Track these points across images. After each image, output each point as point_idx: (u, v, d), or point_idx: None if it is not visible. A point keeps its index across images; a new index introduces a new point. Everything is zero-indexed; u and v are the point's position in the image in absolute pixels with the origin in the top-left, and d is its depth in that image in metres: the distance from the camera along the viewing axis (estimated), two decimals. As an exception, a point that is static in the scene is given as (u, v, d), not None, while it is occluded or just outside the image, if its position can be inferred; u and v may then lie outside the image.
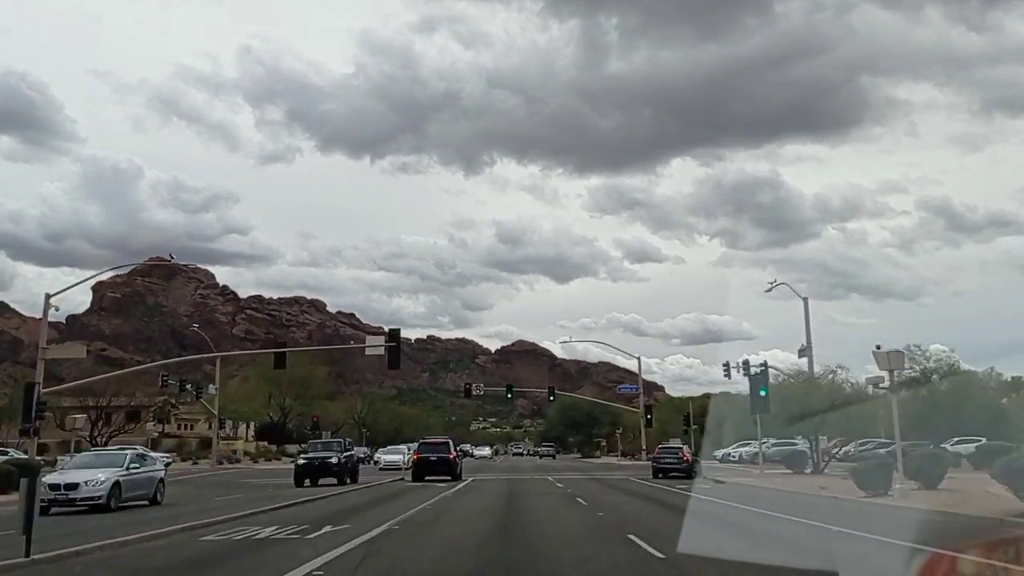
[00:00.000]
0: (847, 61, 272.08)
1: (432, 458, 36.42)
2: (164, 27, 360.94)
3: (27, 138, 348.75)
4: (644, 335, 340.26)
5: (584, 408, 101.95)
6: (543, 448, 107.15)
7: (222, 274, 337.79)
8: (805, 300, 41.18)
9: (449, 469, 36.33)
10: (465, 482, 34.47)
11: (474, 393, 66.64)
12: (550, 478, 38.69)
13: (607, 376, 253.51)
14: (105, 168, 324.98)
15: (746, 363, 45.19)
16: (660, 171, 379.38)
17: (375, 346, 40.94)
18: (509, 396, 66.87)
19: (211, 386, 60.81)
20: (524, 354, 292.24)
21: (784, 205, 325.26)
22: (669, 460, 38.81)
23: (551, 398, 65.47)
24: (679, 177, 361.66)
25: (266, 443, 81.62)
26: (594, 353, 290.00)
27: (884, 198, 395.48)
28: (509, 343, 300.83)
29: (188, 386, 63.12)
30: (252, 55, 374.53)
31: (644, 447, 62.63)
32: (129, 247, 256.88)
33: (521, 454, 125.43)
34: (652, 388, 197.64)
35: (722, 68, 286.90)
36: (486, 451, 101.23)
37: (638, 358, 69.69)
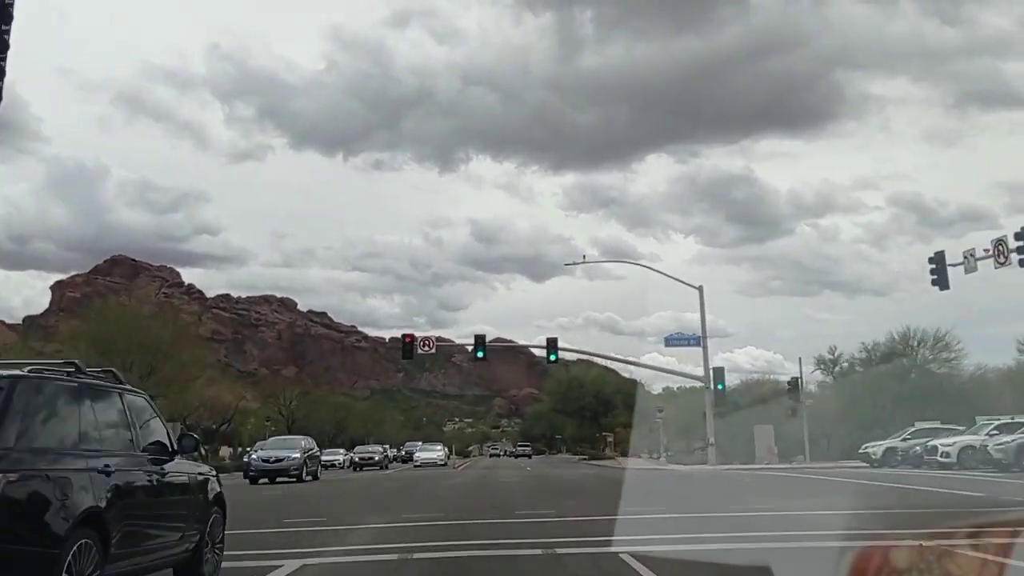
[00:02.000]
0: (823, 55, 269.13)
1: None
2: (129, 23, 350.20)
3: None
4: (620, 334, 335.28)
5: (592, 383, 72.58)
6: (519, 448, 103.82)
7: (193, 276, 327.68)
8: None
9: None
10: None
11: (421, 351, 41.24)
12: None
13: (587, 373, 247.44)
14: (70, 168, 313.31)
15: None
16: (636, 167, 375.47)
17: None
18: (480, 355, 41.30)
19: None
20: (502, 352, 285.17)
21: (758, 201, 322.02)
22: None
23: (551, 358, 40.80)
24: (654, 174, 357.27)
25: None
26: (573, 351, 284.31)
27: (857, 194, 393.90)
28: (487, 341, 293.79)
29: None
30: (220, 51, 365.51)
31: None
32: (96, 248, 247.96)
33: (498, 455, 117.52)
34: (631, 385, 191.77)
35: (698, 61, 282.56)
36: (434, 453, 57.15)
37: (700, 288, 38.36)
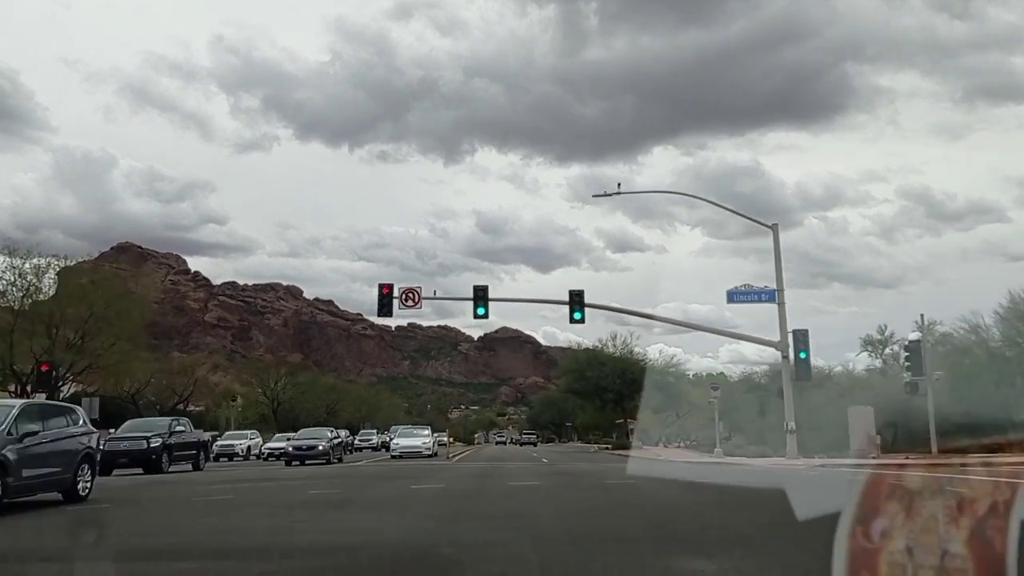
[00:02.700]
0: (832, 47, 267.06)
1: None
2: (134, 14, 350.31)
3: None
4: (626, 325, 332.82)
5: (615, 362, 59.58)
6: (524, 436, 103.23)
7: (200, 264, 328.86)
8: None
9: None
10: None
11: (403, 306, 30.05)
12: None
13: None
14: (77, 157, 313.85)
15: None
16: (641, 160, 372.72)
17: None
18: (482, 312, 30.10)
19: None
20: (508, 341, 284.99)
21: (766, 194, 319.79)
22: None
23: (575, 316, 29.39)
24: (660, 166, 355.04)
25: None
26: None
27: (865, 186, 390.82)
28: (492, 331, 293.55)
29: None
30: (225, 42, 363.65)
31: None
32: (104, 237, 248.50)
33: (504, 442, 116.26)
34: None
35: (704, 54, 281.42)
36: (418, 439, 41.09)
37: (773, 226, 30.89)
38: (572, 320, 29.68)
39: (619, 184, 31.23)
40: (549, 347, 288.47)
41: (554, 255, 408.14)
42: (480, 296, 30.34)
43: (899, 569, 2.45)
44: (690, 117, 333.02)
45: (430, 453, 38.49)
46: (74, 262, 48.06)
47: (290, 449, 32.87)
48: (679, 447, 50.66)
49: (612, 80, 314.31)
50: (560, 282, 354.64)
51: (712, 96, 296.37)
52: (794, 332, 28.72)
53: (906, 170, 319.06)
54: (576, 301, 29.92)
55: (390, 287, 29.55)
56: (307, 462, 31.24)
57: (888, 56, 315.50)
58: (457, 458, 38.59)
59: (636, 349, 61.20)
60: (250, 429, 48.66)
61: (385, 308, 29.11)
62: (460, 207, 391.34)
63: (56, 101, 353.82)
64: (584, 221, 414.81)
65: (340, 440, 36.57)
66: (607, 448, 57.57)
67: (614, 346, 61.80)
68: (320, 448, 31.87)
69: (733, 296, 30.22)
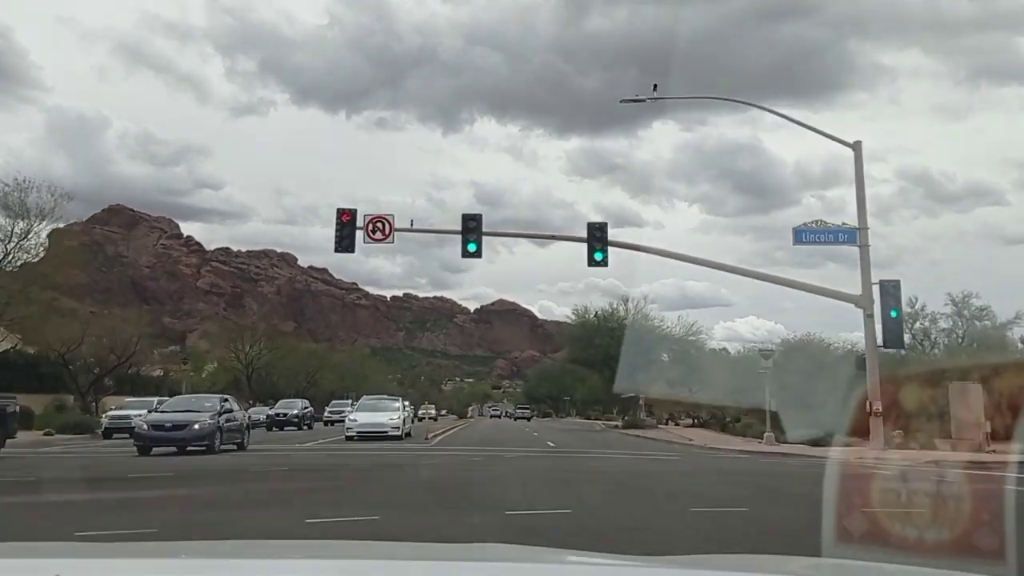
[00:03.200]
0: (835, 23, 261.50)
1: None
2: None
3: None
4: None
5: (633, 327, 50.47)
6: (519, 411, 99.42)
7: (194, 230, 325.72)
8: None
9: None
10: None
11: (369, 241, 22.95)
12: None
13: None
14: (71, 118, 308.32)
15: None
16: (641, 134, 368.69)
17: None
18: (473, 248, 23.36)
19: None
20: (505, 314, 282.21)
21: (764, 172, 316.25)
22: None
23: (597, 257, 22.56)
24: (660, 141, 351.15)
25: None
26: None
27: (864, 166, 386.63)
28: (489, 303, 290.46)
29: None
30: (221, 3, 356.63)
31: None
32: (98, 200, 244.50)
33: (499, 416, 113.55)
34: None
35: (706, 26, 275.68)
36: (383, 415, 29.94)
37: (855, 143, 25.16)
38: (592, 263, 22.70)
39: (655, 86, 24.76)
40: (546, 321, 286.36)
41: (552, 228, 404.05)
42: (472, 228, 23.69)
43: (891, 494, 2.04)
44: (691, 91, 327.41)
45: (398, 434, 28.42)
46: (62, 224, 42.02)
47: (145, 427, 20.90)
48: (691, 426, 47.03)
49: (613, 51, 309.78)
50: (558, 255, 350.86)
51: (713, 71, 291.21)
52: (881, 284, 22.10)
53: (905, 150, 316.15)
54: (598, 238, 22.85)
55: (351, 213, 22.71)
56: (185, 448, 20.91)
57: (891, 34, 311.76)
58: (440, 438, 29.86)
59: (652, 316, 54.62)
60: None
61: (346, 241, 22.41)
62: (458, 177, 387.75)
63: (50, 60, 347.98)
64: (582, 195, 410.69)
65: (234, 415, 23.52)
66: (616, 426, 50.85)
67: (626, 311, 54.23)
68: (197, 428, 20.83)
69: (802, 235, 23.90)
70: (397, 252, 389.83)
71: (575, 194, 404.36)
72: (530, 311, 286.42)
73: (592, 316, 56.73)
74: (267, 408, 46.84)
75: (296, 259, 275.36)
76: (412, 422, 36.43)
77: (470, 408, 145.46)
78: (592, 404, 77.66)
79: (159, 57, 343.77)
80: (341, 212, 22.82)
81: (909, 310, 35.98)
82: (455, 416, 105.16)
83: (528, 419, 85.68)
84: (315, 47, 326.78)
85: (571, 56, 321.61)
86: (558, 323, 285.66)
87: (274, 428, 40.59)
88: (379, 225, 22.88)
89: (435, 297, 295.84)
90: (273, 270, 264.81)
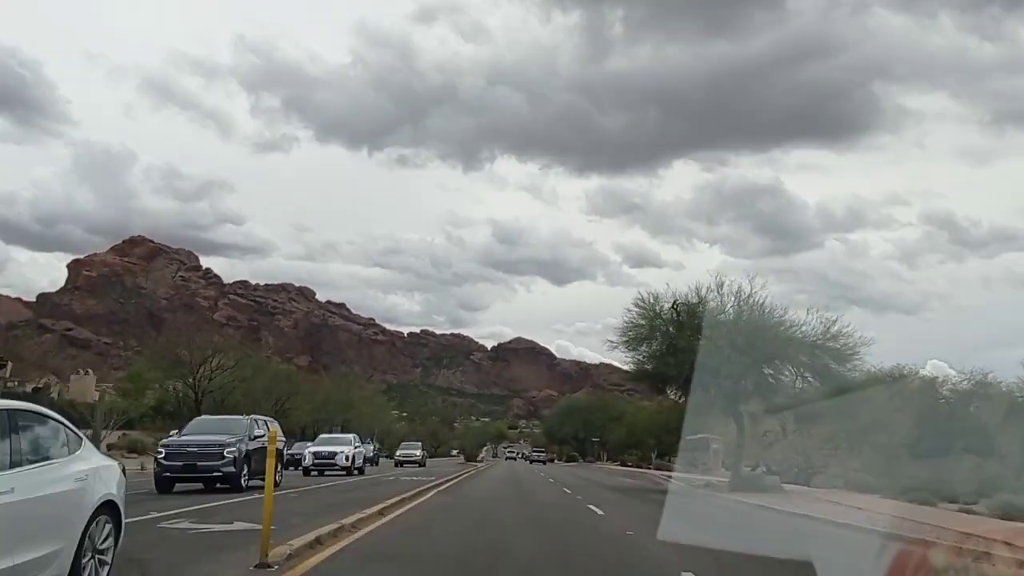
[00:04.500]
0: (859, 65, 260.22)
1: None
2: (157, 8, 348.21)
3: (19, 118, 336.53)
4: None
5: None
6: (535, 453, 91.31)
7: (216, 264, 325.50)
8: None
9: None
10: None
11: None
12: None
13: (608, 378, 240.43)
14: (97, 152, 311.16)
15: None
16: (661, 173, 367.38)
17: None
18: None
19: None
20: (522, 352, 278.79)
21: (786, 214, 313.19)
22: None
23: None
24: (680, 181, 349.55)
25: None
26: (592, 355, 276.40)
27: (888, 209, 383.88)
28: (506, 340, 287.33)
29: None
30: (246, 41, 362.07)
31: None
32: (122, 233, 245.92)
33: (514, 458, 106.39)
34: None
35: (729, 67, 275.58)
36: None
37: None
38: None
39: None
40: (563, 360, 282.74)
41: (570, 268, 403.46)
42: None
43: None
44: (712, 131, 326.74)
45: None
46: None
47: None
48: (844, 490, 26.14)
49: (635, 91, 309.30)
50: (575, 295, 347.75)
51: (735, 111, 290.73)
52: None
53: (930, 193, 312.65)
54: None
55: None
56: None
57: (916, 77, 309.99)
58: (401, 509, 15.72)
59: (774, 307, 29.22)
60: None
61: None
62: (477, 215, 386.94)
63: (78, 95, 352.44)
64: (602, 235, 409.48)
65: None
66: (704, 483, 31.03)
67: (733, 297, 29.08)
68: None
69: None
70: (415, 290, 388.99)
71: (594, 233, 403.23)
72: (548, 349, 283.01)
73: (669, 308, 30.29)
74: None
75: (314, 293, 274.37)
76: (401, 466, 34.41)
77: (483, 449, 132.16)
78: (630, 448, 65.71)
79: (185, 93, 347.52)
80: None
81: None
82: (462, 459, 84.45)
83: (543, 463, 76.97)
84: (338, 85, 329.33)
85: (592, 95, 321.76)
86: (576, 363, 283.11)
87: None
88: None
89: (452, 334, 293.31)
90: (291, 304, 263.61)
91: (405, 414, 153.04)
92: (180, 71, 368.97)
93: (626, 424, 62.82)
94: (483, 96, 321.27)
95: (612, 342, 31.73)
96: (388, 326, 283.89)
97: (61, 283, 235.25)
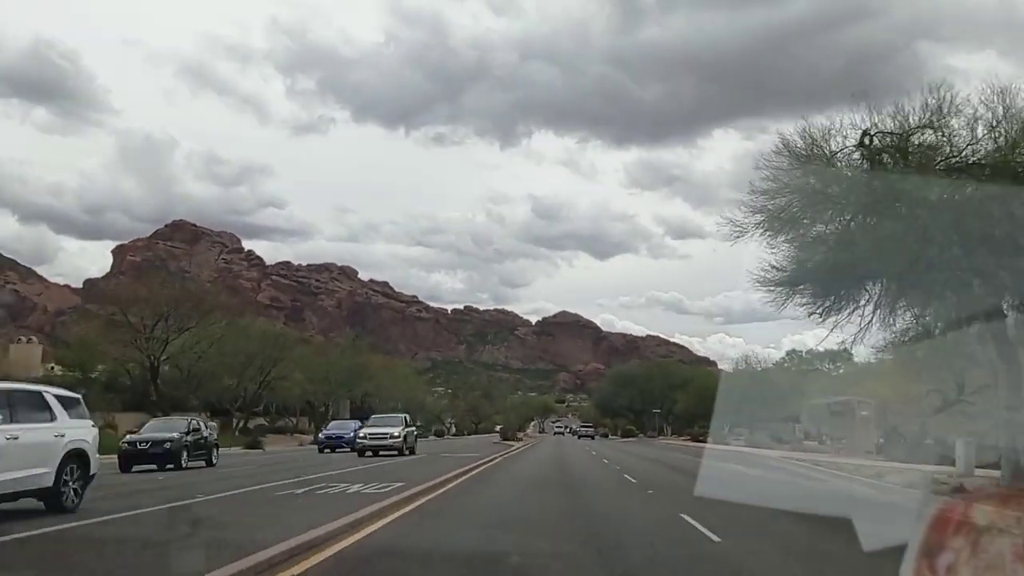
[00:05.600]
0: (903, 26, 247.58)
1: None
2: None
3: (61, 109, 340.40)
4: (685, 313, 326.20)
5: None
6: (583, 428, 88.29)
7: (259, 247, 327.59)
8: None
9: None
10: None
11: None
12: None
13: (656, 351, 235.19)
14: (139, 140, 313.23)
15: None
16: (701, 143, 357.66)
17: None
18: None
19: None
20: (567, 326, 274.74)
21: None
22: None
23: None
24: (721, 150, 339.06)
25: None
26: (638, 328, 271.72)
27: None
28: (551, 315, 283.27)
29: None
30: (280, 24, 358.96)
31: None
32: (167, 219, 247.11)
33: (562, 432, 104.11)
34: (705, 362, 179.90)
35: (767, 32, 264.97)
36: None
37: None
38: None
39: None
40: (609, 333, 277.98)
41: (611, 242, 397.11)
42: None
43: None
44: (751, 98, 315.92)
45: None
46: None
47: None
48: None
49: (671, 60, 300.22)
50: (618, 268, 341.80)
51: (775, 77, 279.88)
52: None
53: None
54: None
55: None
56: None
57: (964, 36, 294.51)
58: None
59: None
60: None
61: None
62: (516, 192, 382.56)
63: (118, 83, 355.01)
64: (642, 207, 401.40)
65: None
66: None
67: (990, 112, 16.86)
68: None
69: None
70: (457, 268, 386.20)
71: (635, 206, 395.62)
72: (593, 323, 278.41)
73: (856, 147, 16.16)
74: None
75: (356, 272, 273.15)
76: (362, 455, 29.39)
77: (530, 424, 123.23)
78: (699, 418, 55.61)
79: (221, 78, 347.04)
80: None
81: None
82: (498, 438, 64.01)
83: (591, 438, 74.15)
84: (373, 64, 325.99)
85: (627, 66, 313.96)
86: (623, 335, 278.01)
87: None
88: None
89: (496, 310, 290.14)
90: (333, 283, 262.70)
91: (450, 391, 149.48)
92: (216, 56, 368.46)
93: (694, 391, 54.02)
94: (517, 71, 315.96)
95: (737, 225, 16.96)
96: (431, 303, 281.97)
97: (108, 270, 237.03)
